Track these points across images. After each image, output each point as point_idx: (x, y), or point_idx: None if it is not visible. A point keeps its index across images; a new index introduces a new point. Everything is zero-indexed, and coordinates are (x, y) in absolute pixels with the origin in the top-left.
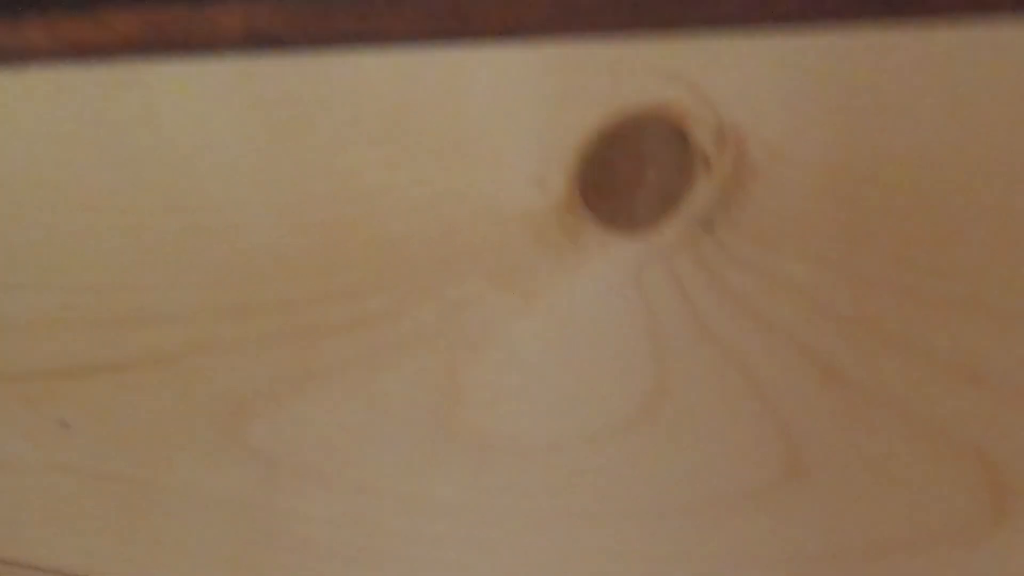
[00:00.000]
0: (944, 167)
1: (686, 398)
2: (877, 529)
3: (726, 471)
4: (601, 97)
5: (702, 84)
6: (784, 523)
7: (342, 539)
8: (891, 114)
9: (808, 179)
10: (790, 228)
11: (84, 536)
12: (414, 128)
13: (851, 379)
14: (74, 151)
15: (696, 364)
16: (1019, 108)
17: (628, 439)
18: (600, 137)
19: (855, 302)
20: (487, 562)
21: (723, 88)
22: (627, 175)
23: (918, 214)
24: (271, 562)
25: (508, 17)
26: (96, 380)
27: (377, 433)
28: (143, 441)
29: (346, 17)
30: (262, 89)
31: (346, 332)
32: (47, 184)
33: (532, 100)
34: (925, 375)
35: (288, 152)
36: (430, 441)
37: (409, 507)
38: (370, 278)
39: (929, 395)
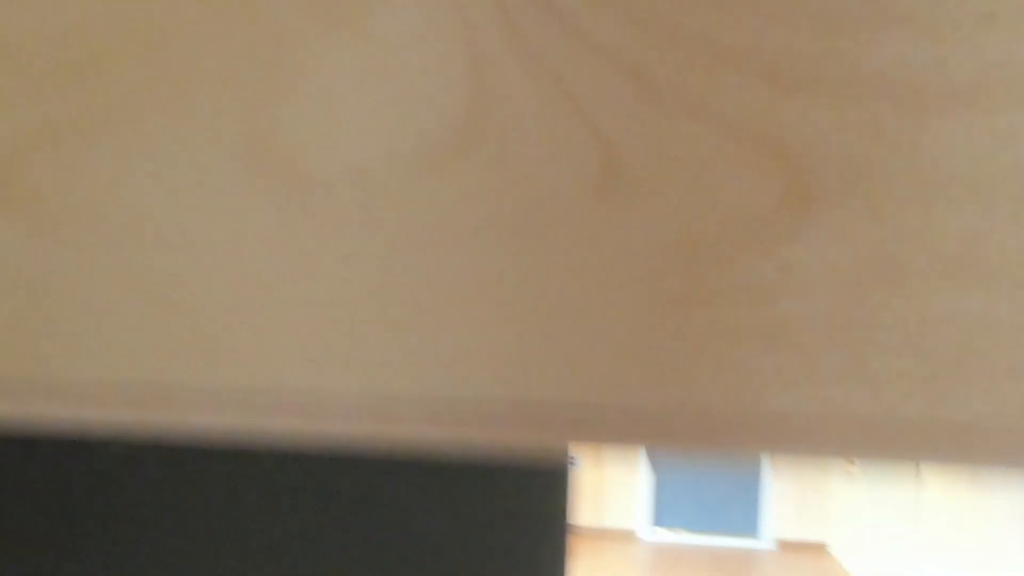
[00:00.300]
0: None
1: (504, 115)
2: (689, 236)
3: (544, 188)
4: None
5: None
6: (601, 237)
7: (134, 295)
8: None
9: None
10: None
11: None
12: None
13: (663, 86)
14: None
15: (514, 79)
16: None
17: (445, 162)
18: None
19: (666, 7)
20: (298, 300)
21: None
22: None
23: None
24: (49, 332)
25: None
26: None
27: (172, 176)
28: None
29: None
30: None
31: (135, 68)
32: None
33: None
34: (731, 77)
35: None
36: (234, 180)
37: (212, 253)
38: (162, 9)
39: (735, 97)
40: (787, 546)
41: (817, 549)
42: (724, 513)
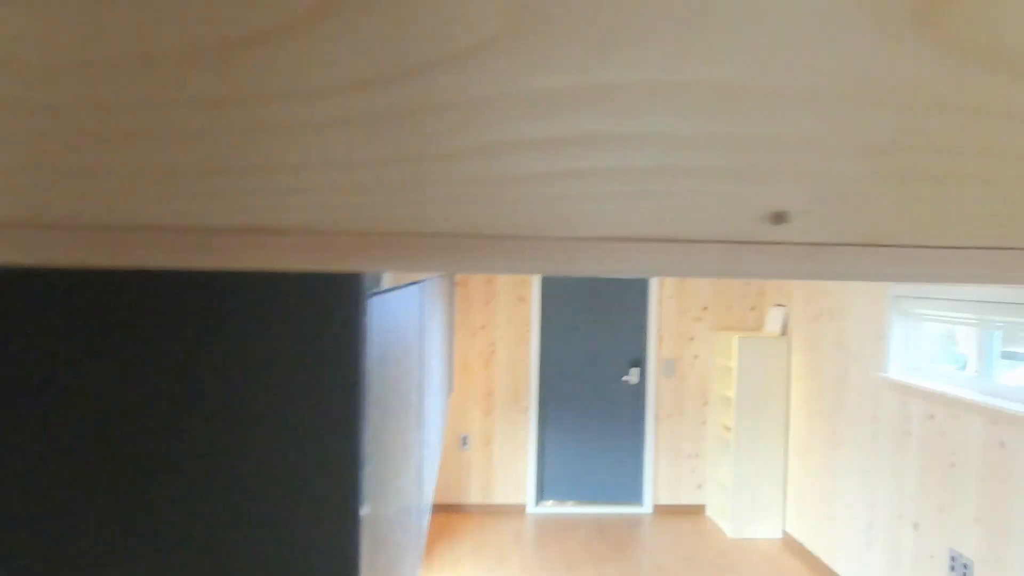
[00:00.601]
0: None
1: None
2: (413, 53)
3: (253, 9)
4: None
5: None
6: (328, 54)
7: None
8: None
9: None
10: None
11: None
12: None
13: None
14: None
15: None
16: None
17: None
18: None
19: None
20: None
21: None
22: None
23: None
24: None
25: None
26: None
27: None
28: None
29: None
30: None
31: None
32: None
33: None
34: None
35: None
36: None
37: None
38: None
39: None
40: (667, 510)
41: (695, 512)
42: (608, 483)
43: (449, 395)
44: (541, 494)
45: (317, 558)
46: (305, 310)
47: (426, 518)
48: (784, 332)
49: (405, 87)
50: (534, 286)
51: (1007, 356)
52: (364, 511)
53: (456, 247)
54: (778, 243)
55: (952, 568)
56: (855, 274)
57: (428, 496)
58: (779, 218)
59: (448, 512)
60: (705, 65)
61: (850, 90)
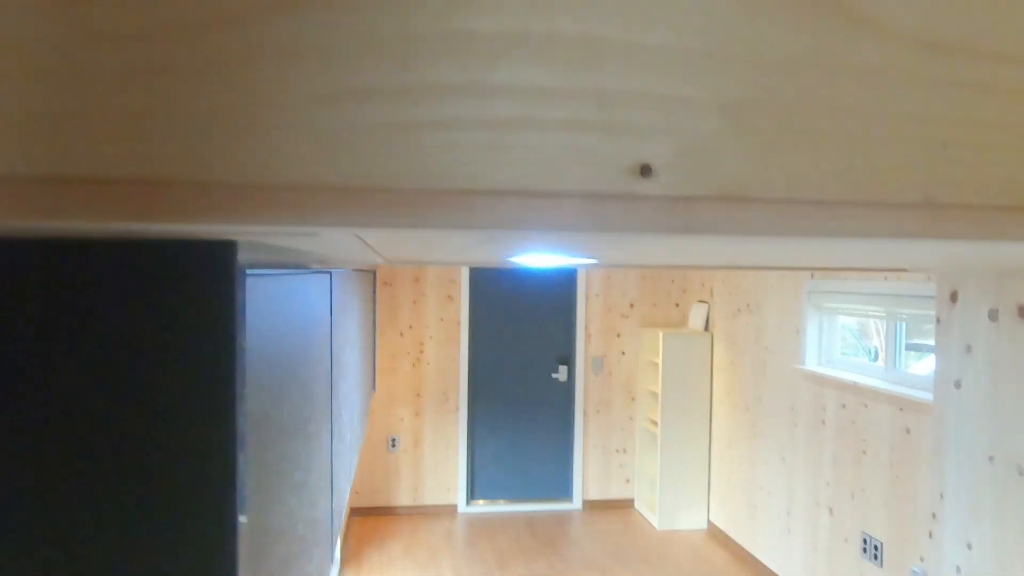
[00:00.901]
0: None
1: None
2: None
3: None
4: None
5: None
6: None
7: None
8: None
9: None
10: None
11: None
12: None
13: None
14: None
15: None
16: None
17: None
18: None
19: None
20: None
21: None
22: None
23: None
24: None
25: None
26: None
27: None
28: None
29: None
30: None
31: None
32: None
33: None
34: None
35: None
36: None
37: None
38: None
39: None
40: (596, 505)
41: (624, 506)
42: (538, 480)
43: (371, 394)
44: (472, 494)
45: (188, 551)
46: (175, 283)
47: (341, 516)
48: (707, 328)
49: (247, 30)
50: (463, 285)
51: (913, 348)
52: (243, 497)
53: (305, 200)
54: (643, 197)
55: (864, 551)
56: (715, 227)
57: (343, 494)
58: (645, 171)
59: (378, 514)
60: (568, 17)
61: (711, 47)
